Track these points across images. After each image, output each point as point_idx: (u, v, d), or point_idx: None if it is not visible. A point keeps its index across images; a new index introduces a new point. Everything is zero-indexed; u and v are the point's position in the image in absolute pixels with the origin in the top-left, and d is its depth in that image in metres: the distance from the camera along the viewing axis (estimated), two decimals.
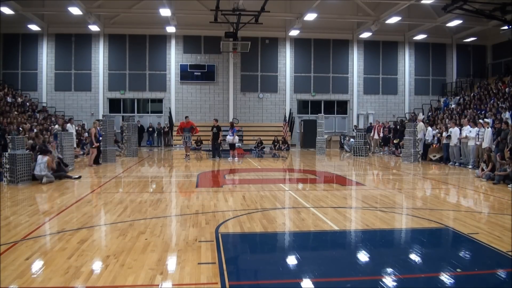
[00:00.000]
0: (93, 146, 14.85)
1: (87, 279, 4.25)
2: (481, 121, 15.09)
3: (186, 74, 26.95)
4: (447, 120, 20.41)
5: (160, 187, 10.96)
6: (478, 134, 14.43)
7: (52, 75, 26.17)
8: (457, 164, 15.66)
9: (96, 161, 15.23)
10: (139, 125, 25.15)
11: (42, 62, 25.89)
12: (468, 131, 14.94)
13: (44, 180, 10.55)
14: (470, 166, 14.71)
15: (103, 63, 26.38)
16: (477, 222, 6.81)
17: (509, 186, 10.49)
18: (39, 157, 10.86)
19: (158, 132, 26.51)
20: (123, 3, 24.13)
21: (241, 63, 27.28)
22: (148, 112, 27.80)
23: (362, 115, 28.24)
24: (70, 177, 11.67)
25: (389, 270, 4.63)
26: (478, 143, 14.46)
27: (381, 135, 22.42)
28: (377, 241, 5.96)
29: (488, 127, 14.15)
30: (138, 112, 27.49)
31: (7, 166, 10.45)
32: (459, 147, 15.76)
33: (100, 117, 19.81)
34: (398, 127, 21.09)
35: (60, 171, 11.42)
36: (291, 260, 4.99)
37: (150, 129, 26.54)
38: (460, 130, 15.66)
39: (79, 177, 12.26)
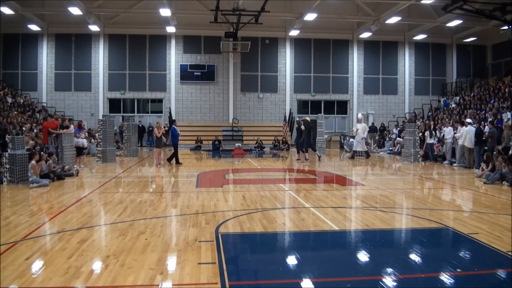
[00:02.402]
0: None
1: (87, 279, 4.25)
2: (468, 120, 15.60)
3: (186, 74, 26.95)
4: (446, 119, 20.45)
5: (160, 187, 10.95)
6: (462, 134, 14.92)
7: (52, 75, 26.16)
8: (454, 163, 15.73)
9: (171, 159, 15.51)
10: (140, 125, 25.15)
11: (42, 62, 25.88)
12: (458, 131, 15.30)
13: (33, 185, 10.02)
14: (455, 164, 15.35)
15: (103, 63, 26.38)
16: (477, 222, 6.80)
17: (504, 184, 10.60)
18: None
19: None
20: (123, 3, 24.13)
21: (241, 63, 27.27)
22: (148, 112, 27.79)
23: (362, 115, 28.19)
24: (68, 175, 11.70)
25: (389, 270, 4.63)
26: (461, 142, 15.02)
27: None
28: (377, 241, 5.96)
29: (469, 126, 14.66)
30: (138, 112, 27.48)
31: (7, 166, 10.44)
32: (452, 147, 16.20)
33: (100, 117, 19.79)
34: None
35: (50, 175, 10.84)
36: (291, 260, 4.99)
37: (150, 128, 26.51)
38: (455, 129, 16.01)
39: (77, 172, 12.31)
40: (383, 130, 24.77)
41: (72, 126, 14.71)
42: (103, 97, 26.53)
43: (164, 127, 26.33)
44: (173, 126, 16.10)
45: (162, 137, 15.28)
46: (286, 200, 8.90)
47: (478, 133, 14.34)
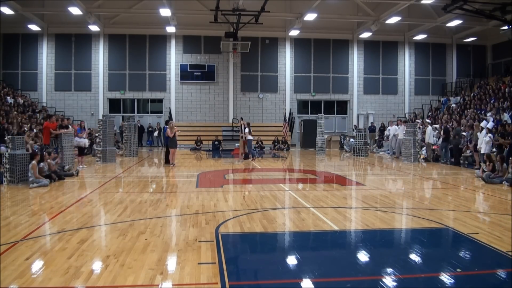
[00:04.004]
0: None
1: (87, 279, 4.25)
2: (427, 120, 18.89)
3: (186, 74, 26.94)
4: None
5: (160, 187, 10.95)
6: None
7: (52, 75, 26.16)
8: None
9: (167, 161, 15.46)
10: (139, 125, 25.13)
11: (42, 62, 25.88)
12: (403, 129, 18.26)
13: (33, 185, 10.00)
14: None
15: (103, 63, 26.38)
16: (477, 222, 6.81)
17: (504, 184, 10.62)
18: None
19: (158, 132, 26.49)
20: (123, 3, 24.12)
21: (241, 63, 27.26)
22: (148, 112, 27.79)
23: (362, 115, 28.23)
24: (68, 175, 11.71)
25: (389, 270, 4.63)
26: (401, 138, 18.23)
27: None
28: (377, 241, 5.96)
29: (429, 126, 17.81)
30: (138, 112, 27.48)
31: (7, 166, 10.44)
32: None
33: (100, 117, 19.79)
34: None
35: (51, 176, 10.81)
36: (291, 260, 4.99)
37: (150, 129, 26.54)
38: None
39: (77, 173, 12.32)
40: (383, 130, 24.75)
41: (70, 126, 14.70)
42: (103, 97, 26.53)
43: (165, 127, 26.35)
44: (165, 126, 16.01)
45: (175, 137, 15.18)
46: (286, 200, 8.90)
47: (445, 131, 16.84)
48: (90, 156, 18.35)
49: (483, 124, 15.17)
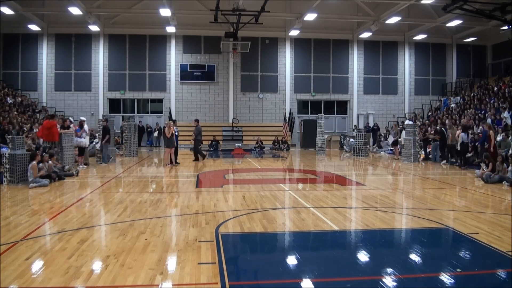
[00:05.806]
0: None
1: (87, 279, 4.25)
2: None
3: (186, 74, 26.95)
4: None
5: (160, 187, 10.95)
6: None
7: (52, 75, 26.16)
8: None
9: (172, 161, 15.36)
10: (141, 126, 25.12)
11: (42, 62, 25.89)
12: None
13: (33, 185, 9.99)
14: None
15: (103, 63, 26.38)
16: (477, 222, 6.80)
17: (504, 184, 10.63)
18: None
19: (158, 132, 26.49)
20: (123, 3, 24.12)
21: (241, 63, 27.26)
22: (148, 112, 27.79)
23: (362, 115, 28.23)
24: (68, 175, 11.70)
25: (389, 270, 4.63)
26: None
27: None
28: (377, 241, 5.96)
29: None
30: (138, 112, 27.48)
31: (7, 166, 10.44)
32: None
33: (100, 117, 19.77)
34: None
35: (51, 175, 10.78)
36: (291, 260, 4.99)
37: (149, 129, 26.52)
38: None
39: (77, 173, 12.31)
40: (377, 130, 24.78)
41: (72, 126, 14.69)
42: (103, 97, 26.53)
43: (165, 127, 26.33)
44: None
45: (172, 137, 15.13)
46: (286, 200, 8.90)
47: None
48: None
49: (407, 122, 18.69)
